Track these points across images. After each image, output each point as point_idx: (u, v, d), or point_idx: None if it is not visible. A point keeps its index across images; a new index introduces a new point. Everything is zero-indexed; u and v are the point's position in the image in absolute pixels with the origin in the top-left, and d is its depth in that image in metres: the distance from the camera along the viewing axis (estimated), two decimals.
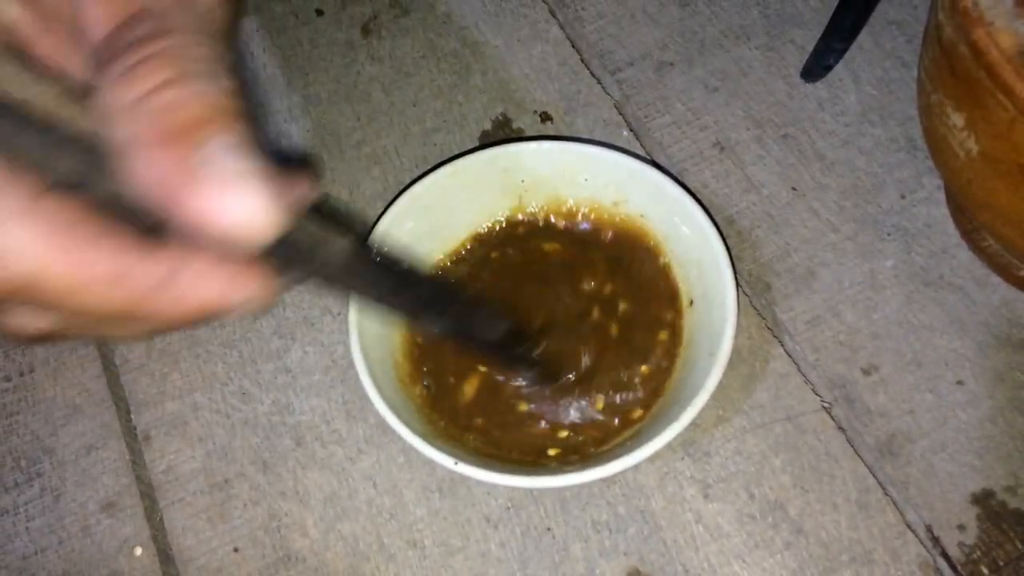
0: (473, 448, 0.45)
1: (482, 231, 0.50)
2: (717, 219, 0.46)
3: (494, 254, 0.50)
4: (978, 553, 0.44)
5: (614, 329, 0.47)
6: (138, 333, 0.26)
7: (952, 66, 0.40)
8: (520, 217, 0.51)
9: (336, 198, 0.55)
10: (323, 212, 0.37)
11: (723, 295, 0.44)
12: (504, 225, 0.51)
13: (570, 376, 0.46)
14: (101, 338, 0.43)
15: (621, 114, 0.57)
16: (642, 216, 0.48)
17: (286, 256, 0.25)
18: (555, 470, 0.42)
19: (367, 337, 0.44)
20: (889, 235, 0.51)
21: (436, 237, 0.49)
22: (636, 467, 0.42)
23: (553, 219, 0.51)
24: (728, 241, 0.46)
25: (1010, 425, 0.46)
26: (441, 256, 0.50)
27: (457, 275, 0.49)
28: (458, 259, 0.50)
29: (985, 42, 0.37)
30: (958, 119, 0.40)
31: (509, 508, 0.46)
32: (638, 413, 0.45)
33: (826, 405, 0.47)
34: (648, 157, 0.55)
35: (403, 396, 0.45)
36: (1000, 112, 0.37)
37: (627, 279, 0.48)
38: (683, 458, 0.47)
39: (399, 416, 0.42)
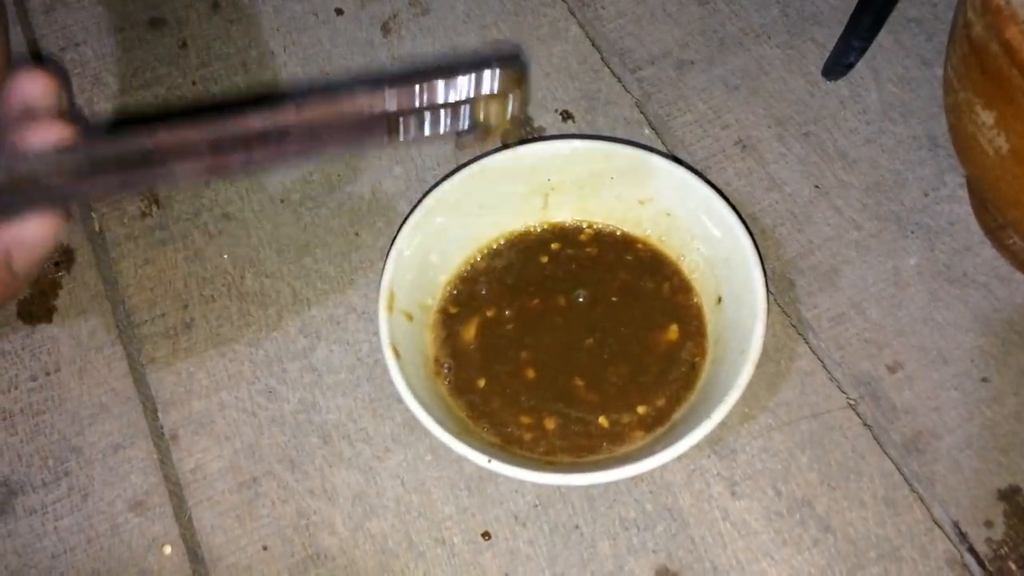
0: (487, 441, 0.45)
1: (511, 232, 0.51)
2: (741, 216, 0.47)
3: (516, 258, 0.50)
4: (1006, 549, 0.44)
5: (623, 349, 0.48)
6: None
7: (982, 64, 0.40)
8: (547, 221, 0.51)
9: (359, 197, 0.55)
10: None
11: (752, 293, 0.44)
12: (531, 228, 0.51)
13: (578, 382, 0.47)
14: None
15: (642, 112, 0.57)
16: (669, 215, 0.49)
17: None
18: (585, 468, 0.43)
19: (397, 334, 0.45)
20: (912, 232, 0.52)
21: (465, 233, 0.49)
22: (663, 465, 0.42)
23: (575, 224, 0.51)
24: (753, 238, 0.46)
25: None
26: (471, 251, 0.50)
27: (487, 271, 0.50)
28: (490, 253, 0.50)
29: (1018, 40, 0.37)
30: (988, 117, 0.41)
31: (537, 505, 0.46)
32: (638, 434, 0.46)
33: (852, 402, 0.47)
34: (671, 155, 0.55)
35: (432, 392, 0.45)
36: None
37: (642, 302, 0.49)
38: (710, 456, 0.47)
39: (430, 413, 0.42)
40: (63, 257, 0.54)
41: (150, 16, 0.62)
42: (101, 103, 0.59)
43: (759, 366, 0.45)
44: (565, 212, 0.51)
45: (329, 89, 0.42)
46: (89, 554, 0.46)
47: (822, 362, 0.49)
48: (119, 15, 0.63)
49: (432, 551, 0.45)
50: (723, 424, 0.43)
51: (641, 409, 0.46)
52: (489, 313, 0.49)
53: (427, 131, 0.36)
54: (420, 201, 0.48)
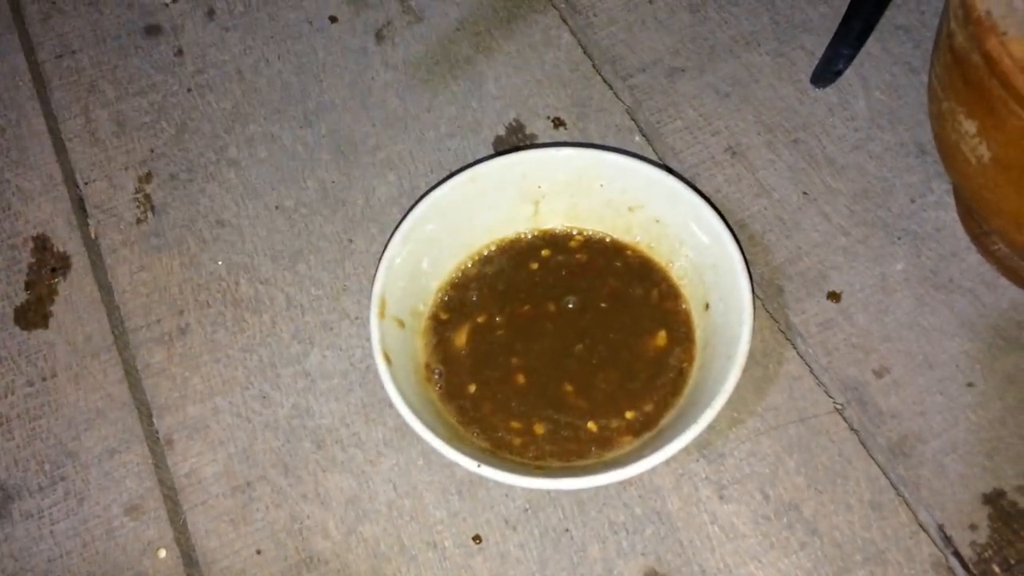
0: (478, 446, 0.46)
1: (502, 238, 0.51)
2: (729, 223, 0.47)
3: (507, 264, 0.51)
4: (990, 552, 0.44)
5: (612, 355, 0.48)
6: None
7: (964, 74, 0.40)
8: (538, 228, 0.51)
9: (353, 203, 0.56)
10: None
11: (739, 299, 0.45)
12: (522, 235, 0.51)
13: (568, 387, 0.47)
14: None
15: (633, 119, 0.57)
16: (658, 221, 0.49)
17: None
18: (574, 473, 0.43)
19: (388, 340, 0.45)
20: (899, 239, 0.52)
21: (456, 240, 0.50)
22: (652, 469, 0.43)
23: (565, 231, 0.51)
24: (740, 245, 0.46)
25: (1020, 426, 0.47)
26: (462, 258, 0.51)
27: (478, 278, 0.50)
28: (481, 260, 0.51)
29: (998, 51, 0.37)
30: (970, 126, 0.41)
31: (527, 510, 0.47)
32: (627, 439, 0.46)
33: (839, 407, 0.48)
34: (661, 162, 0.55)
35: (423, 398, 0.46)
36: (1013, 120, 0.38)
37: (631, 308, 0.49)
38: (698, 460, 0.47)
39: (421, 419, 0.43)
40: (59, 263, 0.55)
41: (146, 23, 0.63)
42: (97, 110, 0.60)
43: (747, 371, 0.46)
44: (555, 219, 0.51)
45: None
46: (85, 558, 0.47)
47: (809, 367, 0.49)
48: (115, 23, 0.63)
49: (424, 555, 0.46)
50: (711, 428, 0.44)
51: (630, 414, 0.46)
52: (480, 319, 0.49)
53: None
54: (412, 208, 0.49)
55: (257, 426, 0.49)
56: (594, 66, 0.59)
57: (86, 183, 0.57)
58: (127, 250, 0.55)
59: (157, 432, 0.50)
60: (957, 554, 0.44)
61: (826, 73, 0.57)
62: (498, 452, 0.46)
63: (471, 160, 0.56)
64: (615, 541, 0.46)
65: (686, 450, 0.46)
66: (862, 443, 0.47)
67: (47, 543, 0.47)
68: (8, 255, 0.55)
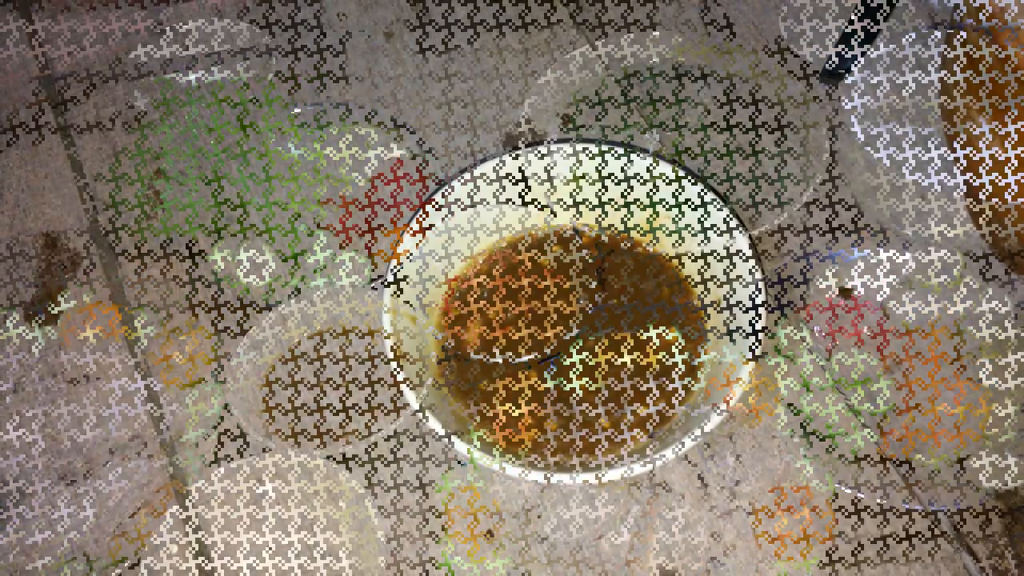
0: (490, 441, 0.46)
1: (512, 236, 0.51)
2: (741, 220, 0.47)
3: (520, 260, 0.51)
4: (1002, 548, 0.44)
5: (624, 350, 0.48)
6: None
7: (978, 73, 0.40)
8: (548, 225, 0.52)
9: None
10: None
11: (752, 295, 0.45)
12: (533, 233, 0.52)
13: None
14: None
15: (644, 117, 0.57)
16: (670, 218, 0.49)
17: None
18: (587, 468, 0.43)
19: (401, 336, 0.45)
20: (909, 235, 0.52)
21: (469, 237, 0.50)
22: (664, 464, 0.43)
23: (578, 227, 0.52)
24: (752, 242, 0.46)
25: None
26: (474, 254, 0.51)
27: (489, 274, 0.50)
28: (493, 257, 0.51)
29: (1013, 51, 0.37)
30: (984, 125, 0.41)
31: (539, 504, 0.46)
32: (638, 435, 0.46)
33: (850, 404, 0.48)
34: (672, 159, 0.55)
35: (435, 394, 0.46)
36: None
37: (641, 304, 0.49)
38: (711, 456, 0.47)
39: (434, 414, 0.43)
40: (70, 261, 0.55)
41: (156, 22, 0.63)
42: (108, 107, 0.59)
43: (759, 367, 0.46)
44: (567, 215, 0.51)
45: None
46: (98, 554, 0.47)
47: (822, 367, 0.49)
48: (124, 20, 0.63)
49: (435, 549, 0.46)
50: (722, 425, 0.44)
51: (642, 410, 0.46)
52: (492, 315, 0.49)
53: None
54: (425, 204, 0.49)
55: None
56: (606, 65, 0.60)
57: (96, 180, 0.57)
58: (137, 248, 0.55)
59: (169, 427, 0.50)
60: (970, 550, 0.44)
61: (836, 71, 0.57)
62: (510, 448, 0.46)
63: (481, 158, 0.56)
64: (627, 536, 0.46)
65: (698, 448, 0.46)
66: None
67: (59, 539, 0.47)
68: (18, 252, 0.55)
